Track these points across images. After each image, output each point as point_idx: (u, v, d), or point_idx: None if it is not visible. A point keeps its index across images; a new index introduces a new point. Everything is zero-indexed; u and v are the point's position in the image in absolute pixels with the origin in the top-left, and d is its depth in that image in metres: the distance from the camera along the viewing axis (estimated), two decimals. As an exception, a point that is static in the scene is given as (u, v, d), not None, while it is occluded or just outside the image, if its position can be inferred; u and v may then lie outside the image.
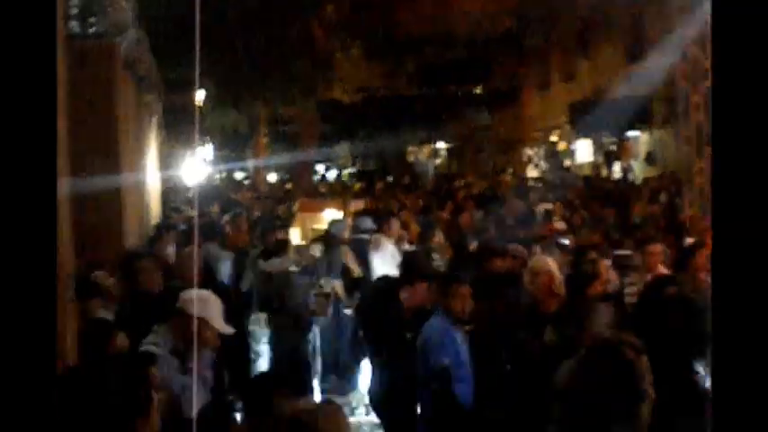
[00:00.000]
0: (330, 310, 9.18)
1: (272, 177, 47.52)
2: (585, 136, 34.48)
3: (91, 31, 9.17)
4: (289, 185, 34.98)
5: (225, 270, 10.87)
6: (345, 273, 10.41)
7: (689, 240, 10.93)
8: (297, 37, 19.64)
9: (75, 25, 9.03)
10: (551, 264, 7.61)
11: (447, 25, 20.13)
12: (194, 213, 16.13)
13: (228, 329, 5.77)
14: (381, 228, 12.40)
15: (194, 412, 4.58)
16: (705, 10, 12.44)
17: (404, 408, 7.24)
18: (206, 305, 5.65)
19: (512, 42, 24.58)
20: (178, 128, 22.77)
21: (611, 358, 3.83)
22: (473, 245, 11.20)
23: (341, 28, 22.19)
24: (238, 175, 47.26)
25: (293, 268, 9.66)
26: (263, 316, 9.81)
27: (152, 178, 16.21)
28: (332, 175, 55.92)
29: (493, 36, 21.57)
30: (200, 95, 22.20)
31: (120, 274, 7.64)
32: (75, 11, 9.05)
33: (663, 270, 8.51)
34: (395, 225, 12.26)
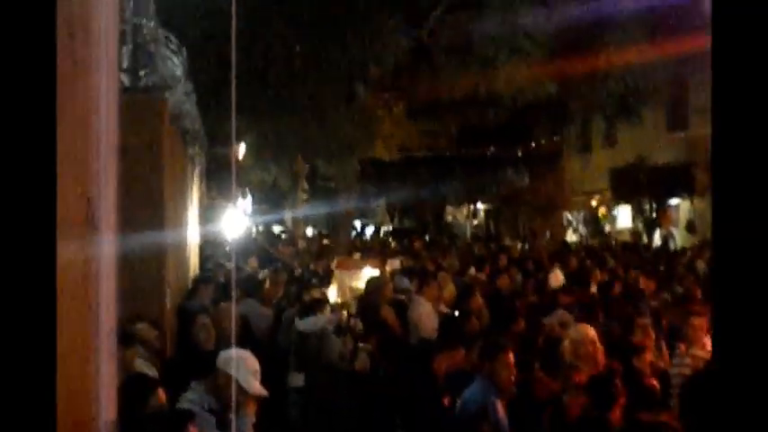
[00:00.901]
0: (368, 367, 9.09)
1: (310, 232, 47.80)
2: (626, 202, 34.44)
3: (141, 84, 9.24)
4: (326, 241, 35.06)
5: (263, 326, 10.87)
6: (382, 332, 10.33)
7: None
8: (339, 95, 19.77)
9: (125, 78, 9.12)
10: (593, 333, 7.56)
11: (489, 87, 20.20)
12: (232, 266, 16.23)
13: (263, 392, 5.74)
14: (419, 288, 12.39)
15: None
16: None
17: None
18: (243, 366, 5.65)
19: (554, 106, 24.61)
20: (219, 181, 22.98)
21: None
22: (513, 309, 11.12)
23: (384, 87, 22.35)
24: (276, 229, 47.54)
25: (329, 327, 9.60)
26: (301, 375, 9.73)
27: (193, 231, 16.32)
28: (369, 231, 56.16)
29: (535, 100, 21.60)
30: (241, 149, 22.46)
31: (175, 328, 7.70)
32: (126, 64, 9.15)
33: (708, 344, 8.36)
34: (432, 286, 12.24)
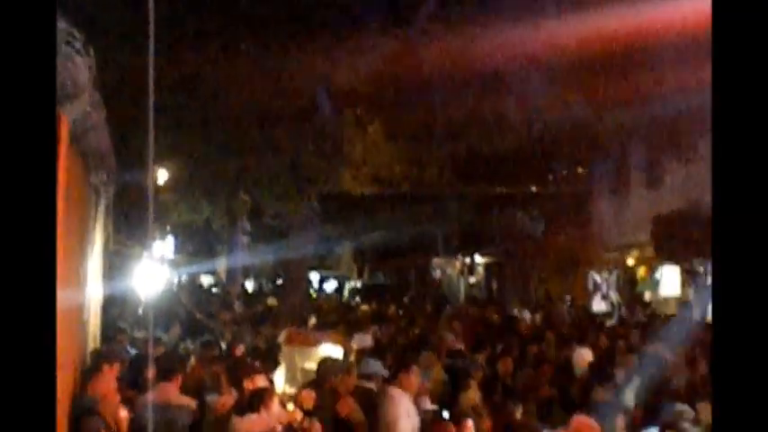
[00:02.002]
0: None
1: (250, 286, 47.70)
2: (673, 261, 34.48)
3: (31, 92, 9.22)
4: (272, 300, 35.03)
5: (183, 422, 10.79)
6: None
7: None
8: (298, 110, 19.84)
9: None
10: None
11: (498, 108, 20.35)
12: (147, 336, 16.21)
13: None
14: (394, 374, 12.37)
15: None
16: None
17: None
18: None
19: (580, 132, 24.77)
20: (132, 219, 22.91)
21: None
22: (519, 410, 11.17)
23: (356, 99, 22.44)
24: (205, 281, 47.49)
25: (278, 429, 9.55)
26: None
27: (94, 287, 16.24)
28: (331, 287, 56.14)
29: (556, 123, 21.74)
30: (161, 176, 22.42)
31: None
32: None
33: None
34: (413, 373, 12.22)
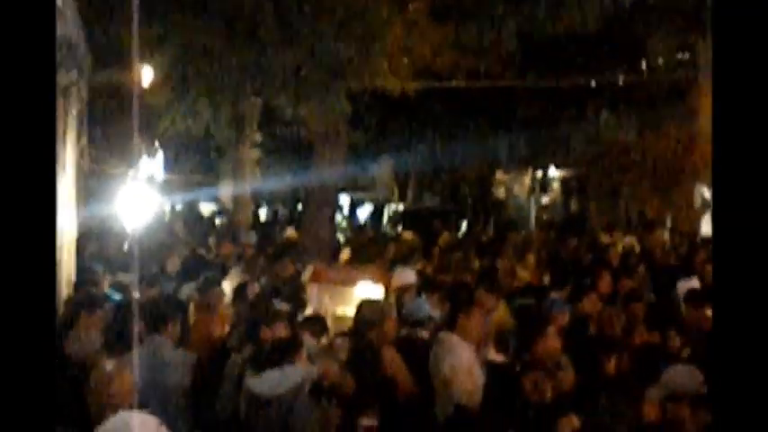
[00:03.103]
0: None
1: (264, 215, 47.70)
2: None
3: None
4: (292, 232, 35.07)
5: (182, 383, 10.88)
6: (388, 396, 10.38)
7: None
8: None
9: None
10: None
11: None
12: (133, 278, 16.30)
13: None
14: (451, 318, 12.40)
15: None
16: None
17: None
18: None
19: (683, 4, 24.60)
20: (111, 130, 22.95)
21: None
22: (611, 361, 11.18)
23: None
24: (206, 209, 47.43)
25: (305, 388, 9.59)
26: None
27: (66, 217, 16.31)
28: (365, 214, 56.01)
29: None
30: (146, 74, 22.38)
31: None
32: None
33: None
34: (475, 316, 12.24)
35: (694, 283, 16.48)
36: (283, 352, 9.85)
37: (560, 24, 24.15)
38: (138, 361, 9.96)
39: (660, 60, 37.38)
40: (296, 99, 23.40)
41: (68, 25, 14.03)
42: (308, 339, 11.55)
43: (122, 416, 6.23)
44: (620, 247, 26.78)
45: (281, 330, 11.43)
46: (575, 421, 8.10)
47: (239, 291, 15.60)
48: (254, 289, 15.95)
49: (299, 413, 9.33)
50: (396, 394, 10.58)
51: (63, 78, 15.78)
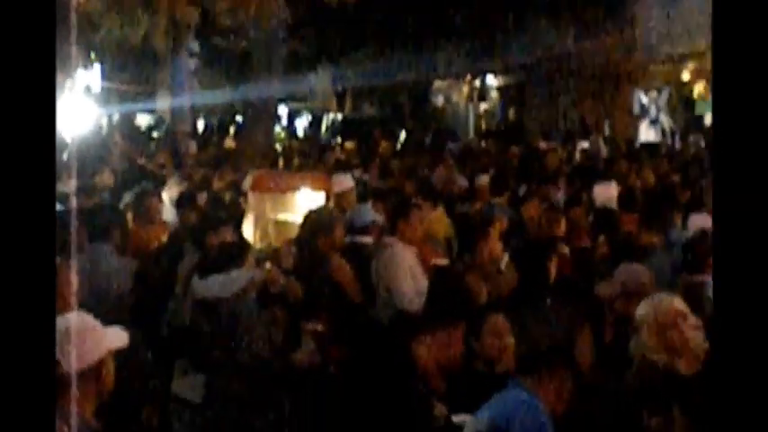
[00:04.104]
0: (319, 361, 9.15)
1: (202, 126, 47.58)
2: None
3: None
4: (231, 142, 35.09)
5: (125, 291, 10.88)
6: (335, 301, 10.45)
7: None
8: None
9: None
10: (683, 306, 7.72)
11: None
12: (71, 188, 16.26)
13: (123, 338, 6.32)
14: (392, 225, 12.48)
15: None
16: None
17: None
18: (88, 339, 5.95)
19: None
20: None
21: None
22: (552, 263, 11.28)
23: None
24: (143, 121, 47.29)
25: (251, 292, 9.63)
26: (199, 379, 9.65)
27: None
28: (304, 124, 56.05)
29: None
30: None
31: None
32: None
33: None
34: (415, 220, 12.31)
35: (611, 188, 16.52)
36: (229, 256, 9.87)
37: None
38: (80, 268, 10.03)
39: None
40: (234, 6, 23.31)
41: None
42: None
43: (63, 317, 6.22)
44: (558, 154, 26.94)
45: (227, 235, 11.50)
46: (501, 321, 8.28)
47: (185, 199, 15.60)
48: (202, 197, 15.98)
49: (246, 316, 9.37)
50: (343, 300, 10.64)
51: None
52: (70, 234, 10.47)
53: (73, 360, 5.78)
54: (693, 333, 7.53)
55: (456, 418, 7.17)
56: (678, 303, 7.72)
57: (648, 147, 31.23)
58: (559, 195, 16.41)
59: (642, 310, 7.70)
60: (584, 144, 31.37)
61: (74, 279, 8.50)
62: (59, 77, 23.46)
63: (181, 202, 15.31)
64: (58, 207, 14.37)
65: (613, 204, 15.24)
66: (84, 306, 7.51)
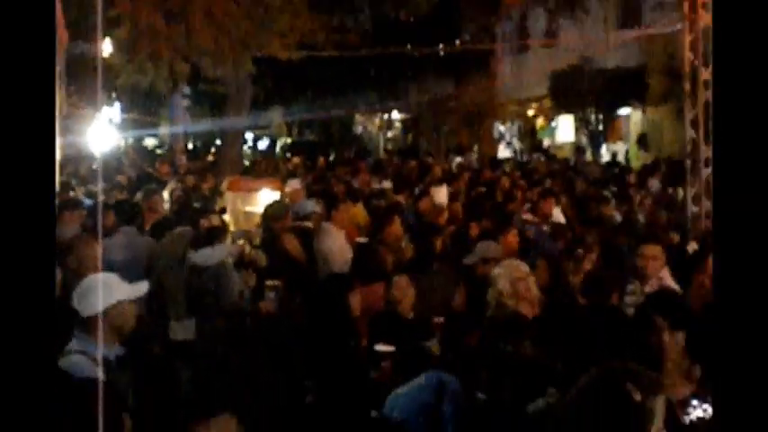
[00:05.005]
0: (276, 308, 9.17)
1: (191, 145, 47.28)
2: (568, 111, 34.78)
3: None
4: (212, 157, 34.92)
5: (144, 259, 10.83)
6: (288, 266, 10.46)
7: (692, 245, 11.28)
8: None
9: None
10: (526, 268, 7.89)
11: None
12: (98, 189, 16.15)
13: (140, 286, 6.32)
14: (326, 213, 12.54)
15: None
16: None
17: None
18: (112, 290, 5.95)
19: (484, 1, 24.68)
20: (82, 84, 22.59)
21: (613, 399, 3.54)
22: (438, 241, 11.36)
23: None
24: (150, 143, 47.01)
25: (230, 260, 9.66)
26: (191, 323, 9.61)
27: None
28: (264, 145, 55.91)
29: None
30: (107, 46, 22.06)
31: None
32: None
33: (666, 278, 8.73)
34: (342, 210, 12.42)
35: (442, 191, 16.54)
36: (214, 236, 9.88)
37: (400, 12, 24.21)
38: (114, 243, 10.05)
39: (467, 38, 37.43)
40: (215, 63, 23.38)
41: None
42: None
43: (91, 277, 6.23)
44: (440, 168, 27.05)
45: (215, 221, 11.57)
46: (404, 280, 8.31)
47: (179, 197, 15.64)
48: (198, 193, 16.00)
49: (225, 277, 9.41)
50: (293, 265, 10.66)
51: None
52: (98, 219, 10.58)
53: (99, 302, 5.78)
54: (533, 287, 7.73)
55: (378, 347, 7.22)
56: (523, 266, 7.89)
57: (504, 161, 31.36)
58: (443, 195, 16.42)
59: (498, 270, 7.82)
60: (459, 159, 31.56)
61: (99, 251, 8.46)
62: (91, 112, 23.30)
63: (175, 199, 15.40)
64: (91, 201, 14.38)
65: (444, 201, 15.38)
66: (116, 268, 7.51)
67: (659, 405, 3.52)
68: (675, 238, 12.36)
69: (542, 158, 32.72)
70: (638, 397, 3.47)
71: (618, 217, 14.43)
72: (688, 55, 13.11)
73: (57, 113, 16.92)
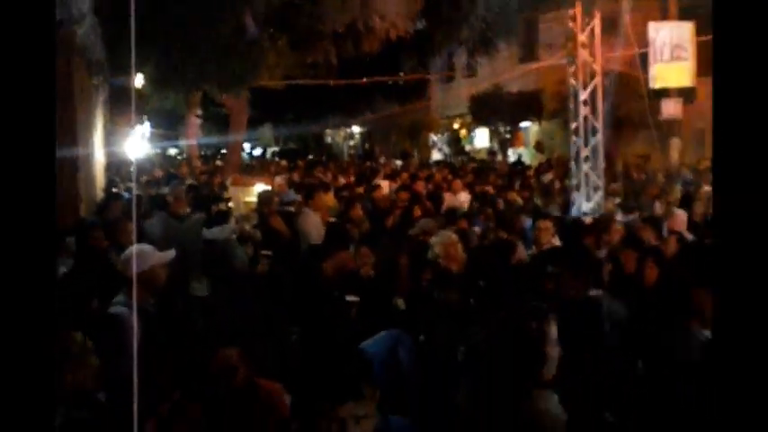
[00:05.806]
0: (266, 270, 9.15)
1: (203, 154, 47.13)
2: (484, 125, 35.10)
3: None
4: (219, 161, 34.75)
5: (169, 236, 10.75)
6: (277, 240, 10.43)
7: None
8: (230, 29, 19.34)
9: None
10: (455, 237, 7.95)
11: (366, 22, 20.23)
12: (133, 185, 16.04)
13: (170, 253, 6.23)
14: (305, 200, 12.51)
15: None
16: (593, 16, 12.79)
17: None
18: (148, 257, 5.89)
19: (422, 41, 24.64)
20: (121, 107, 22.36)
21: (517, 330, 3.67)
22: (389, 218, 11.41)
23: (270, 21, 21.94)
24: (173, 151, 46.83)
25: (233, 236, 9.65)
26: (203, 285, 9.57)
27: (99, 152, 15.99)
28: (257, 152, 55.97)
29: (405, 34, 21.54)
30: (139, 79, 21.85)
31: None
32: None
33: (556, 242, 8.86)
34: (318, 198, 12.37)
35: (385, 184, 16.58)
36: (222, 218, 9.88)
37: (359, 50, 24.13)
38: (151, 224, 9.95)
39: (408, 70, 37.39)
40: (220, 91, 23.28)
41: (98, 51, 13.60)
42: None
43: (132, 247, 6.25)
44: (389, 167, 27.06)
45: (222, 207, 11.55)
46: (365, 249, 8.23)
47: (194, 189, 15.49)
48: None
49: (231, 249, 9.38)
50: (281, 240, 10.62)
51: (95, 80, 15.36)
52: (133, 207, 10.53)
53: (135, 266, 5.73)
54: (460, 249, 7.77)
55: (348, 297, 7.22)
56: (453, 236, 7.91)
57: (437, 162, 31.44)
58: (393, 186, 16.45)
59: (436, 238, 7.86)
60: (399, 162, 31.57)
61: (134, 230, 8.42)
62: (128, 129, 23.07)
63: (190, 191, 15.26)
64: (128, 195, 14.24)
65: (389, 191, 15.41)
66: (152, 241, 7.46)
67: (552, 328, 3.64)
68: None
69: (465, 159, 32.98)
70: (534, 325, 3.62)
71: (520, 201, 14.53)
72: (572, 81, 13.18)
73: (101, 130, 16.72)
